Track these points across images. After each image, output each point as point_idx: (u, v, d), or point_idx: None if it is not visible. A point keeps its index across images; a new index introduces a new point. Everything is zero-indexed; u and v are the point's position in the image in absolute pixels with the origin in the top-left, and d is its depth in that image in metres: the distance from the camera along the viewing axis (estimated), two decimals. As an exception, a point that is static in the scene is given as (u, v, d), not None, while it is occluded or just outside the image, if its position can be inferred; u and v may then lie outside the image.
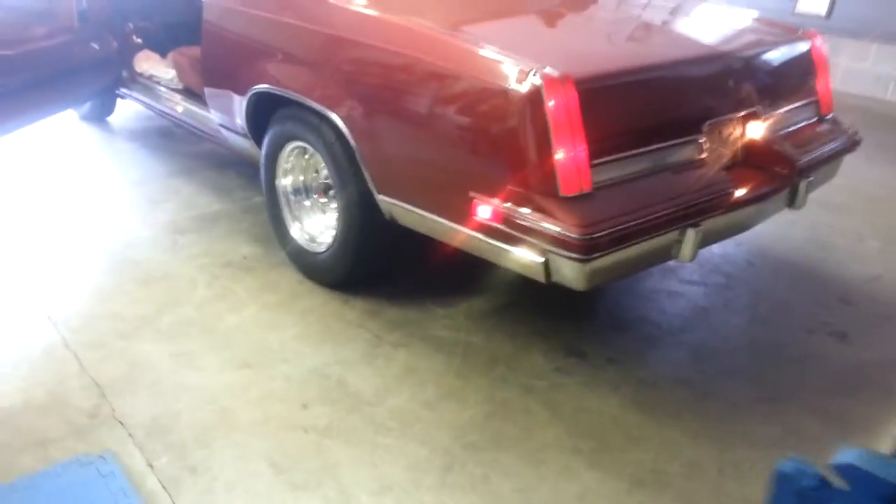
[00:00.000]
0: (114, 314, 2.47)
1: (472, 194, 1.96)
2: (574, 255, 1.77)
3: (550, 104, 1.78)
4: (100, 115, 4.45)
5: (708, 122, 2.11)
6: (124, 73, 3.88)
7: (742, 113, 2.21)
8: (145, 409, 2.02)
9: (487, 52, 1.93)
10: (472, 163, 1.98)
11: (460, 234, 2.06)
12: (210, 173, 3.75)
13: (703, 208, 1.96)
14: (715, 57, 2.19)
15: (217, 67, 2.93)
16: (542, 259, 1.86)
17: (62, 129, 4.31)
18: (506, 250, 1.95)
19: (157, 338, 2.35)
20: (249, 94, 2.66)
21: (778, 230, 3.18)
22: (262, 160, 2.75)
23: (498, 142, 1.89)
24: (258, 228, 3.13)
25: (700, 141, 2.10)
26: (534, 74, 1.80)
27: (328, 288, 2.65)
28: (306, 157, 2.67)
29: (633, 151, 1.95)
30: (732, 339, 2.46)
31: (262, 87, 2.59)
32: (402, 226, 2.32)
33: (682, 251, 1.98)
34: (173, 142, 4.18)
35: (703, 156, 2.11)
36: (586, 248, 1.75)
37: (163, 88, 3.70)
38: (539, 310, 2.56)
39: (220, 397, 2.07)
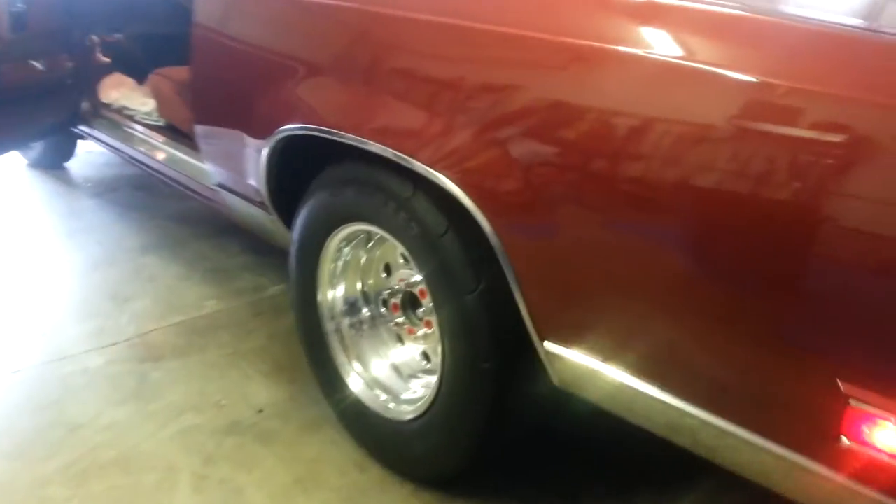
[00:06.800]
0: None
1: (846, 390, 0.80)
2: None
3: None
4: (53, 160, 3.30)
5: None
6: (84, 105, 2.75)
7: None
8: None
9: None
10: (852, 330, 0.83)
11: (799, 474, 0.89)
12: (201, 246, 2.59)
13: None
14: None
15: (216, 94, 1.79)
16: None
17: (4, 179, 3.16)
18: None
19: None
20: (274, 138, 1.51)
21: None
22: (293, 253, 1.58)
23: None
24: (278, 345, 1.96)
25: None
26: None
27: (419, 481, 1.47)
28: (369, 246, 1.52)
29: None
30: None
31: (300, 126, 1.44)
32: (585, 400, 1.17)
33: None
34: (152, 197, 3.02)
35: None
36: None
37: (138, 126, 2.58)
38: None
39: None
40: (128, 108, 2.71)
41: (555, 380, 1.18)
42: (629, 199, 1.00)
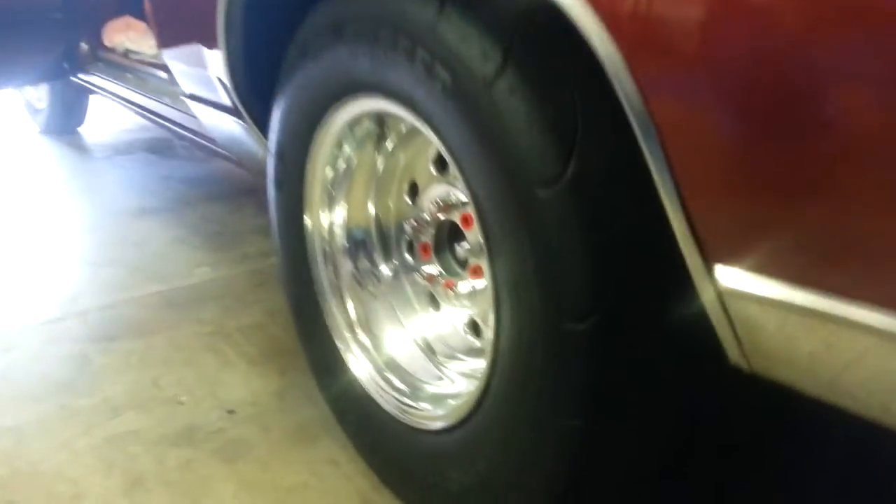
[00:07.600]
0: None
1: None
2: None
3: None
4: (64, 124, 2.89)
5: None
6: (82, 47, 2.32)
7: None
8: None
9: None
10: None
11: None
12: (212, 208, 2.10)
13: None
14: None
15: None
16: None
17: (10, 145, 2.78)
18: None
19: None
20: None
21: None
22: (270, 162, 1.02)
23: None
24: (278, 324, 1.41)
25: None
26: None
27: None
28: (386, 145, 0.93)
29: None
30: None
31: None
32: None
33: None
34: (166, 160, 2.58)
35: None
36: None
37: (141, 67, 2.13)
38: None
39: None
40: (134, 52, 2.24)
41: (733, 353, 0.56)
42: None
